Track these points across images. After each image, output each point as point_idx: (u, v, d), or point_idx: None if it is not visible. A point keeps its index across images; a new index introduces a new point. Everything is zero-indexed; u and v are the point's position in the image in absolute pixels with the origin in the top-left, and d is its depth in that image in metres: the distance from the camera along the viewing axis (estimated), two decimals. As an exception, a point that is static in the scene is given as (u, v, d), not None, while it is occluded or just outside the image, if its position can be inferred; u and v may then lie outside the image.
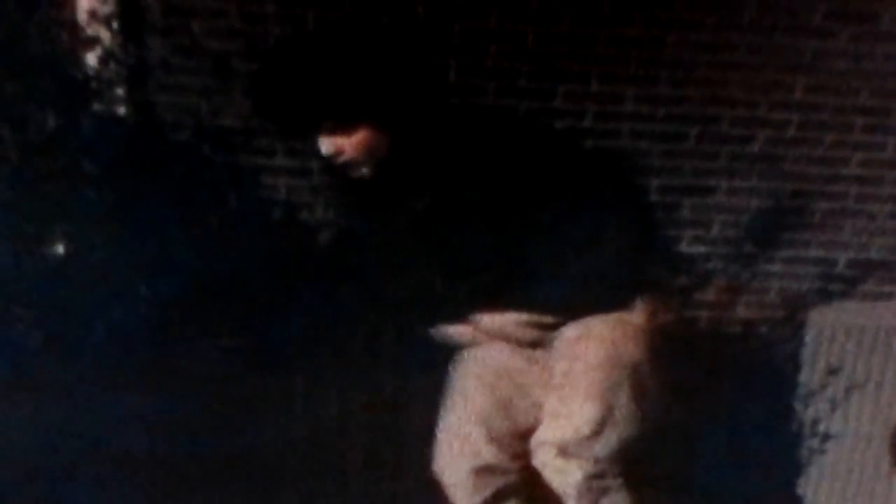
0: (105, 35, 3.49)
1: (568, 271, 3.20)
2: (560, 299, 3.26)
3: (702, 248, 4.26)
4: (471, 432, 3.38)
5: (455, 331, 3.42)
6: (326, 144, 3.05)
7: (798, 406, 4.28)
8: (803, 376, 4.26)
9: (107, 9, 3.47)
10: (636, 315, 3.30)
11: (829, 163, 4.20)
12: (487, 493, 3.39)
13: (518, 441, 3.38)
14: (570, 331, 3.27)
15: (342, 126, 3.03)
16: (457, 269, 3.23)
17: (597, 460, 3.22)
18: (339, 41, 3.02)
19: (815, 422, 4.27)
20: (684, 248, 4.24)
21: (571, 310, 3.27)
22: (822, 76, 4.08)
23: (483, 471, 3.39)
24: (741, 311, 4.33)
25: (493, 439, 3.37)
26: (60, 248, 3.57)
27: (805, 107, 4.12)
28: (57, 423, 3.48)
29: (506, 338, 3.36)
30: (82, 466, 3.52)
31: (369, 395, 3.81)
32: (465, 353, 3.46)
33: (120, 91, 3.56)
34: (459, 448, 3.39)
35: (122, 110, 3.59)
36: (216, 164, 3.72)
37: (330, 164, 3.12)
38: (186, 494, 3.67)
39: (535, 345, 3.36)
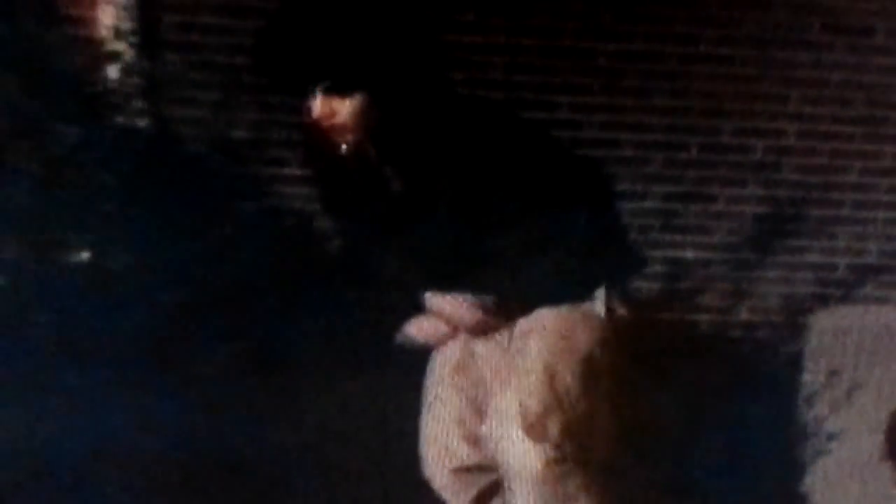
0: (126, 50, 3.62)
1: (527, 262, 3.29)
2: (517, 289, 3.33)
3: (703, 254, 4.34)
4: (447, 435, 3.40)
5: (415, 327, 3.47)
6: (320, 105, 3.11)
7: (799, 408, 4.32)
8: (804, 378, 4.31)
9: (127, 25, 3.60)
10: (592, 306, 3.35)
11: (827, 171, 4.29)
12: (472, 493, 3.42)
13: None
14: (525, 324, 3.34)
15: (340, 89, 3.10)
16: (416, 253, 3.29)
17: (556, 444, 3.27)
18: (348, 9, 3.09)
19: (817, 423, 4.31)
20: (687, 253, 4.33)
21: (525, 299, 3.35)
22: (819, 87, 4.19)
23: (463, 472, 3.41)
24: (743, 315, 4.42)
25: (469, 440, 3.39)
26: (84, 255, 3.68)
27: (803, 117, 4.22)
28: (73, 426, 3.55)
29: (456, 322, 3.38)
30: (99, 468, 3.59)
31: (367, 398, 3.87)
32: (434, 357, 3.49)
33: (139, 104, 3.68)
34: (438, 452, 3.43)
35: (140, 123, 3.70)
36: (229, 175, 3.81)
37: (309, 137, 3.17)
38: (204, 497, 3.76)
39: (484, 331, 3.39)
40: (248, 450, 3.73)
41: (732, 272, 4.35)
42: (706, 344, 4.35)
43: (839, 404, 4.30)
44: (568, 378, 3.33)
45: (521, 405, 3.29)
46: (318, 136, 3.19)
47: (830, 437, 4.32)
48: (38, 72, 3.59)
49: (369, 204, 3.30)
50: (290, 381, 3.74)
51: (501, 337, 3.42)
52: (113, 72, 3.66)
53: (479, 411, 3.40)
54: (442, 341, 3.48)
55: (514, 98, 4.00)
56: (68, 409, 3.56)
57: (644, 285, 4.25)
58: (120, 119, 3.68)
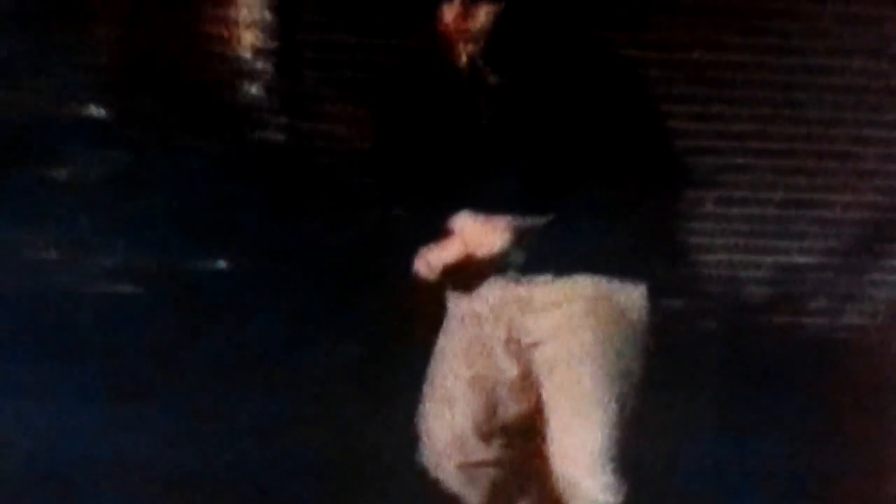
0: (266, 68, 3.74)
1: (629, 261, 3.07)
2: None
3: (811, 259, 4.43)
4: (456, 428, 3.16)
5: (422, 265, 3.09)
6: (456, 7, 2.93)
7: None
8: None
9: (269, 45, 3.71)
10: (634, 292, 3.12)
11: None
12: (483, 488, 3.20)
13: (505, 432, 3.18)
14: (551, 292, 3.08)
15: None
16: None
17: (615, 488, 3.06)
18: None
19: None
20: (795, 258, 4.42)
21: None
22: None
23: (472, 467, 3.19)
24: (849, 319, 4.49)
25: (478, 431, 3.16)
26: (220, 264, 3.80)
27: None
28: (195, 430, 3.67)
29: (475, 248, 3.04)
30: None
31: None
32: (439, 342, 3.21)
33: (278, 119, 3.79)
34: (445, 446, 3.18)
35: (278, 137, 3.82)
36: (360, 186, 3.89)
37: (431, 47, 3.03)
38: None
39: (491, 268, 3.08)
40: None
41: (841, 276, 4.42)
42: (814, 347, 4.42)
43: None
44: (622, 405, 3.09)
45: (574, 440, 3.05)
46: (443, 45, 3.02)
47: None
48: (181, 87, 3.70)
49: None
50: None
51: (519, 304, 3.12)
52: (253, 88, 3.78)
53: (493, 405, 3.16)
54: (450, 272, 3.09)
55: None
56: (184, 416, 3.68)
57: (755, 290, 4.35)
58: (258, 134, 3.79)
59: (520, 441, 3.15)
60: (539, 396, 3.10)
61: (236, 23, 3.72)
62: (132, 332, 3.72)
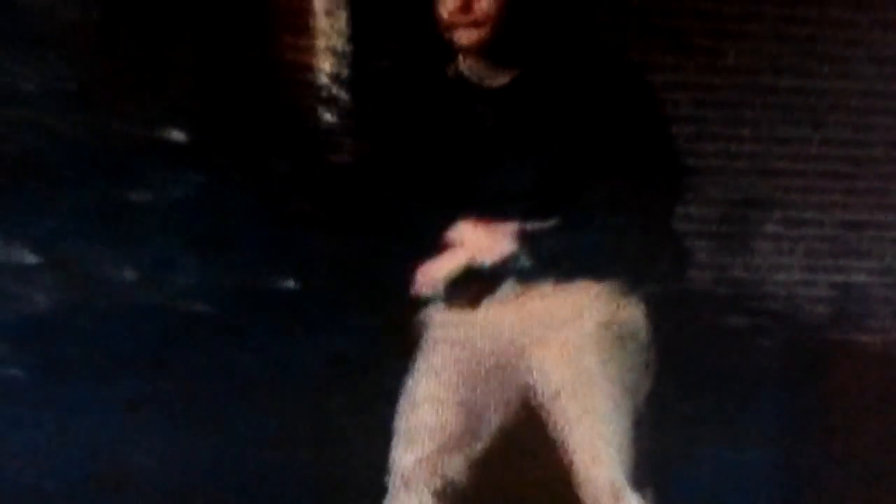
0: (343, 96, 3.81)
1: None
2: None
3: (870, 278, 4.49)
4: (432, 450, 2.98)
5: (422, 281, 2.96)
6: None
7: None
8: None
9: (347, 73, 3.79)
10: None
11: None
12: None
13: (486, 456, 3.00)
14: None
15: None
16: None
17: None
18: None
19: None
20: (854, 277, 4.48)
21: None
22: None
23: (447, 490, 3.00)
24: (908, 336, 4.56)
25: (458, 455, 2.99)
26: (291, 283, 3.88)
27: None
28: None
29: (475, 255, 2.91)
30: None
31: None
32: (418, 362, 3.05)
33: (352, 143, 3.86)
34: (416, 467, 2.99)
35: (351, 160, 3.88)
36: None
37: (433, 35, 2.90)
38: None
39: (496, 277, 2.95)
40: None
41: (896, 294, 4.50)
42: (873, 365, 4.47)
43: None
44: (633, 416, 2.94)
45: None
46: (445, 33, 2.91)
47: None
48: (259, 112, 3.77)
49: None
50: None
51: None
52: (328, 114, 3.85)
53: (474, 430, 2.99)
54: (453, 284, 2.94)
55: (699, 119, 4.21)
56: (258, 431, 3.75)
57: (815, 308, 4.41)
58: (335, 157, 3.86)
59: (501, 465, 3.01)
60: (527, 420, 2.96)
61: (314, 51, 3.79)
62: (206, 349, 3.80)
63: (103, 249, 3.80)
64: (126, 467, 3.68)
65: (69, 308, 3.79)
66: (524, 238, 2.88)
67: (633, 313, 2.98)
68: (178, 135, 3.85)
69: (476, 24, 2.86)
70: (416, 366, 3.02)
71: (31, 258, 3.79)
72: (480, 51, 2.90)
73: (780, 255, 4.42)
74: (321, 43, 3.80)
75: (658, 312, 2.96)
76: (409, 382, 3.01)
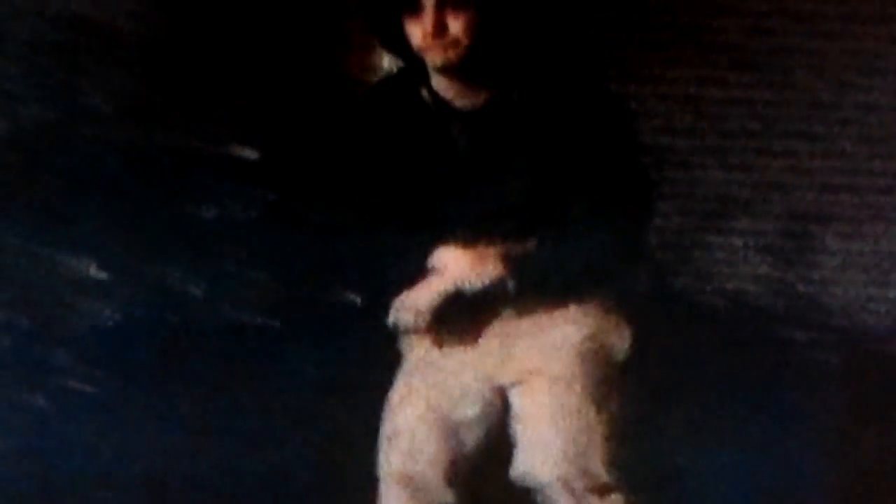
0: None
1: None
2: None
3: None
4: (416, 470, 2.96)
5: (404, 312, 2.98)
6: (431, 20, 2.85)
7: None
8: None
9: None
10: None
11: None
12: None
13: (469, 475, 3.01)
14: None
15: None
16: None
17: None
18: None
19: None
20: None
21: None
22: None
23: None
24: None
25: (438, 475, 2.94)
26: (358, 298, 3.89)
27: None
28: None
29: (461, 280, 2.89)
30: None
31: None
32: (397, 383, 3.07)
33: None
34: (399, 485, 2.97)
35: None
36: None
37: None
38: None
39: (483, 303, 2.94)
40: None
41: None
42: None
43: None
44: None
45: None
46: (418, 54, 2.91)
47: None
48: (322, 130, 3.79)
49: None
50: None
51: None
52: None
53: (455, 449, 2.98)
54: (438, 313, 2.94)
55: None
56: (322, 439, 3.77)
57: (875, 322, 4.40)
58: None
59: (482, 485, 2.98)
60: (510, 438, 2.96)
61: (377, 69, 3.83)
62: (269, 362, 3.84)
63: (172, 265, 3.84)
64: (195, 480, 3.70)
65: (138, 323, 3.83)
66: (508, 260, 2.87)
67: (615, 329, 3.00)
68: (247, 152, 3.89)
69: (450, 45, 2.87)
70: (397, 383, 3.05)
71: (100, 273, 3.82)
72: (455, 72, 2.91)
73: (841, 269, 4.43)
74: (385, 62, 3.82)
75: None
76: (393, 396, 3.05)
